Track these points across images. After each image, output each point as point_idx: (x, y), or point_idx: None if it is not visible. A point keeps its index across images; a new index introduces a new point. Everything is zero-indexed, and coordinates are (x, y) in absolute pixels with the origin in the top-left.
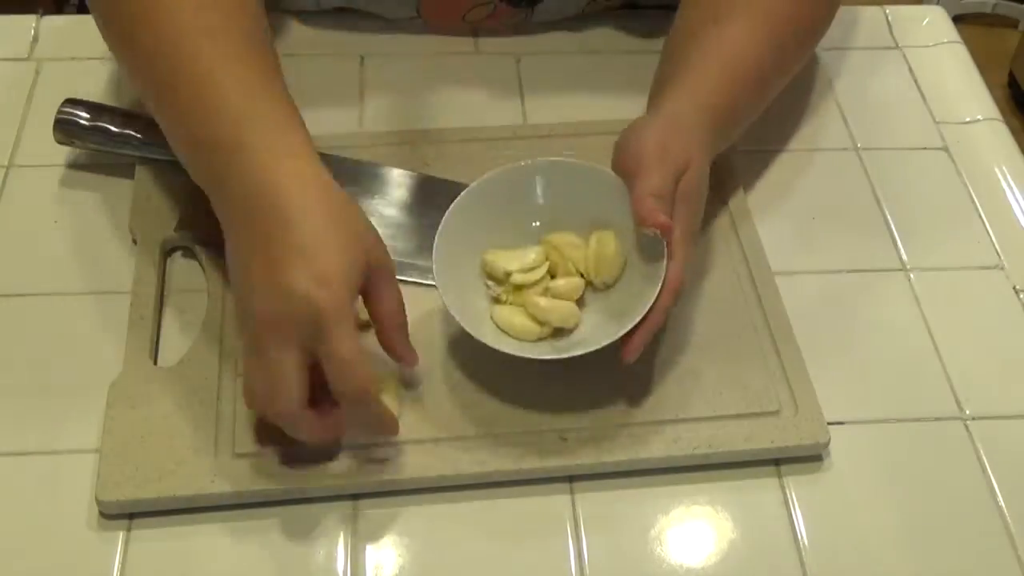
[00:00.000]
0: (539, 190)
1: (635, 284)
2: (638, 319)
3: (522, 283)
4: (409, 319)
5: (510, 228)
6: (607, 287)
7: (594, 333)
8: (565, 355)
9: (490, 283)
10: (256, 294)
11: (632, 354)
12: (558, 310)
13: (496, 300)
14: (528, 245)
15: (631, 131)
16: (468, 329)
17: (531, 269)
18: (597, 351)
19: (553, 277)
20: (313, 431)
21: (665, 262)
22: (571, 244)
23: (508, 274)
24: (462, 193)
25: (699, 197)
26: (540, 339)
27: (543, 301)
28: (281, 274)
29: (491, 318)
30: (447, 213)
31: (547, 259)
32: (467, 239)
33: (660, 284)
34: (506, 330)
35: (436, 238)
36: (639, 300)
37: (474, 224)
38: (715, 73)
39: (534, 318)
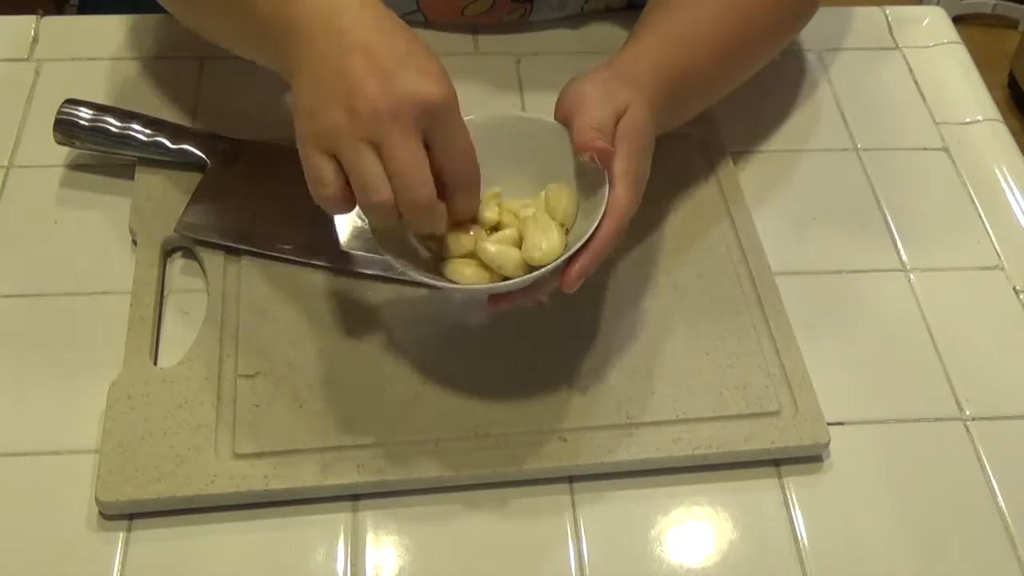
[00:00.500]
0: (482, 151)
1: (583, 226)
2: (577, 247)
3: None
4: (404, 320)
5: None
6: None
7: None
8: (500, 286)
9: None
10: (370, 93)
11: (570, 283)
12: (507, 255)
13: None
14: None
15: (573, 81)
16: (407, 271)
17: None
18: (537, 278)
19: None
20: (442, 220)
21: (606, 191)
22: (524, 205)
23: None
24: None
25: (641, 139)
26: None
27: (492, 247)
28: (394, 73)
29: (442, 273)
30: None
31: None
32: None
33: (600, 214)
34: (457, 281)
35: None
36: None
37: None
38: (670, 39)
39: (484, 266)
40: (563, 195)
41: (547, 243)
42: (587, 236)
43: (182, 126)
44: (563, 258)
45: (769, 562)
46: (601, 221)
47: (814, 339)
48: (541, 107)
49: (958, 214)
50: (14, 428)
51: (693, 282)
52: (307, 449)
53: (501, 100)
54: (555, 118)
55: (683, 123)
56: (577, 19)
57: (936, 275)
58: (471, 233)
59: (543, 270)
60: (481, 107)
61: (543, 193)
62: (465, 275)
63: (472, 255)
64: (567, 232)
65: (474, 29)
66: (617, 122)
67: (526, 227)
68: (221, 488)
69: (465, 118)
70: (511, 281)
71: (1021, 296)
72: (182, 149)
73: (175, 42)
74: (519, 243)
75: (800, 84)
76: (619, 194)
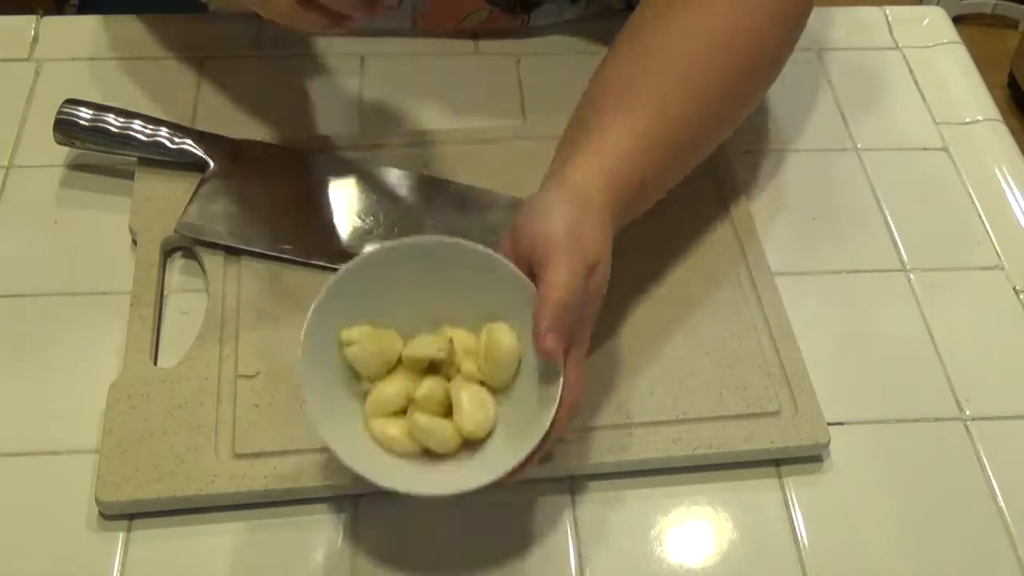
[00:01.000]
0: (427, 274)
1: (527, 394)
2: (524, 456)
3: (422, 395)
4: None
5: (390, 315)
6: (500, 389)
7: (478, 454)
8: (432, 492)
9: (364, 381)
10: None
11: (509, 481)
12: (439, 432)
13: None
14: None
15: (536, 212)
16: (333, 447)
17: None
18: (477, 490)
19: (436, 373)
20: None
21: (560, 383)
22: (465, 343)
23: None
24: (340, 271)
25: (603, 295)
26: (414, 454)
27: (423, 419)
28: None
29: (364, 423)
30: (321, 293)
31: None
32: (340, 321)
33: (553, 410)
34: (380, 440)
35: (307, 320)
36: (530, 422)
37: (351, 308)
38: (627, 137)
39: (411, 432)
40: (505, 338)
41: (482, 416)
42: (536, 443)
43: (182, 126)
44: (514, 465)
45: (769, 562)
46: (553, 419)
47: (814, 339)
48: (541, 106)
49: (958, 214)
50: (14, 428)
51: (693, 282)
52: (307, 449)
53: (501, 100)
54: (513, 247)
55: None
56: (577, 21)
57: (936, 275)
58: (398, 388)
59: (493, 478)
60: (482, 108)
61: (484, 332)
62: (390, 436)
63: (398, 412)
64: (511, 383)
65: (474, 35)
66: (588, 278)
67: (459, 394)
68: (221, 488)
69: (424, 238)
70: (464, 488)
71: (1021, 296)
72: (182, 149)
73: (175, 42)
74: (446, 405)
75: (800, 84)
76: (572, 383)
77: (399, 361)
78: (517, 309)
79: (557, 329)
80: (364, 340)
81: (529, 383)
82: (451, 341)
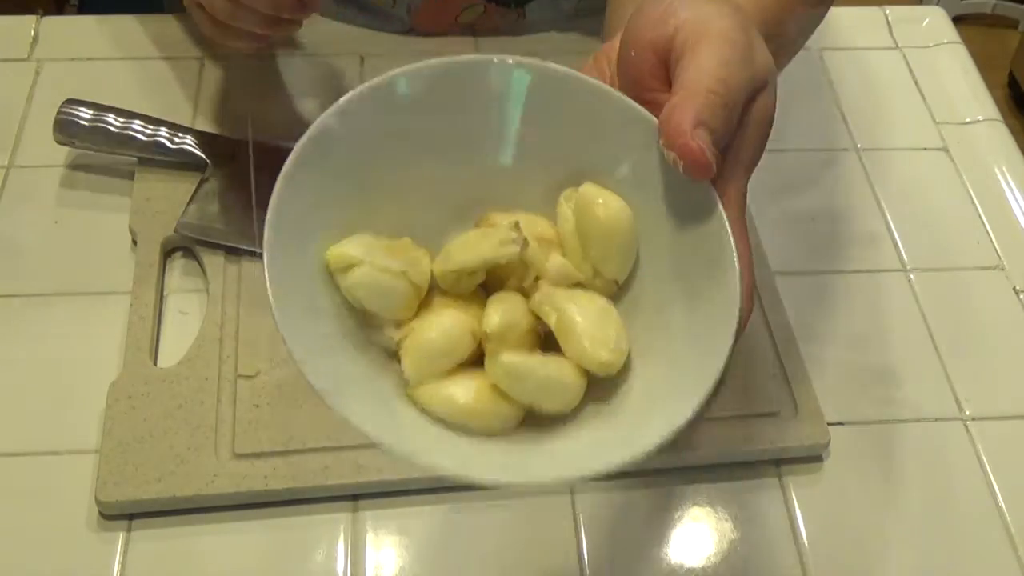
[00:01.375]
0: (443, 130)
1: (654, 290)
2: (713, 379)
3: (499, 330)
4: None
5: (394, 212)
6: (611, 285)
7: (608, 404)
8: (585, 470)
9: (385, 327)
10: None
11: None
12: (557, 375)
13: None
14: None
15: (677, 5)
16: (360, 425)
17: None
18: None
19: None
20: None
21: (730, 245)
22: (535, 229)
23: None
24: (303, 141)
25: (767, 135)
26: (507, 428)
27: (520, 360)
28: None
29: (403, 395)
30: (286, 171)
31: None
32: (319, 229)
33: (736, 292)
34: (445, 416)
35: (267, 222)
36: (673, 329)
37: (330, 205)
38: None
39: (496, 389)
40: (608, 200)
41: (613, 333)
42: (732, 337)
43: (182, 126)
44: (699, 399)
45: (769, 562)
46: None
47: (814, 339)
48: None
49: (958, 214)
50: (14, 428)
51: None
52: (307, 449)
53: None
54: (637, 41)
55: None
56: (575, 15)
57: (936, 275)
58: (452, 325)
59: (676, 426)
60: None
61: (564, 202)
62: (463, 407)
63: (459, 366)
64: (614, 283)
65: (474, 32)
66: (752, 100)
67: (565, 308)
68: (221, 488)
69: (432, 62)
70: (638, 452)
71: (1021, 296)
72: (182, 149)
73: (175, 42)
74: (535, 337)
75: (800, 84)
76: (741, 248)
77: (431, 287)
78: (617, 161)
79: (710, 125)
80: (374, 256)
81: (653, 273)
82: (518, 226)
